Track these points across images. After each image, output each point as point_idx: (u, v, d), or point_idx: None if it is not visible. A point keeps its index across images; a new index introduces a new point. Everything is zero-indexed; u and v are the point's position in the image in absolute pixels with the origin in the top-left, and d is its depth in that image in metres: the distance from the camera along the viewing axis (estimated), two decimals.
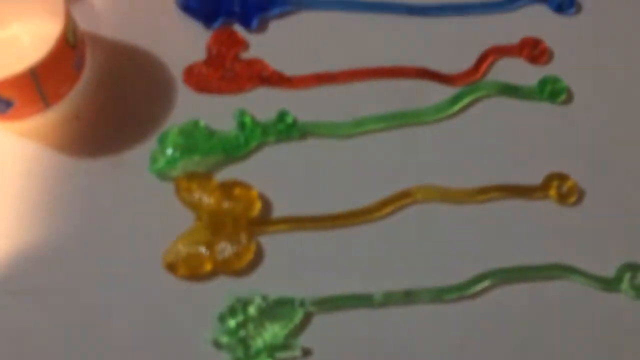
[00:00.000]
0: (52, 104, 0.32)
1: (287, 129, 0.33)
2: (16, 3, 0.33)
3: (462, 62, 0.35)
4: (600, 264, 0.30)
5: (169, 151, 0.31)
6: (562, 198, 0.31)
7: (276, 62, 0.35)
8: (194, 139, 0.32)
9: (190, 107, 0.33)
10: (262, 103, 0.34)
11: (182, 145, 0.32)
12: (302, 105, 0.34)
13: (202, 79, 0.34)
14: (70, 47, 0.31)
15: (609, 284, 0.29)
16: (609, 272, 0.30)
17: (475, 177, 0.32)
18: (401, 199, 0.31)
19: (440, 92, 0.34)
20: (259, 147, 0.33)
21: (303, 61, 0.35)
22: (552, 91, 0.34)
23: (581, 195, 0.32)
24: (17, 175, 0.32)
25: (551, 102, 0.34)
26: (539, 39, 0.36)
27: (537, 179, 0.32)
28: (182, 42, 0.35)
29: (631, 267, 0.30)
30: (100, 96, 0.34)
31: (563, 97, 0.34)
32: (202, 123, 0.33)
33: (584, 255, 0.30)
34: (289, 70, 0.35)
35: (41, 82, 0.31)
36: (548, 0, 0.37)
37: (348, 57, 0.35)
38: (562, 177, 0.32)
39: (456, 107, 0.33)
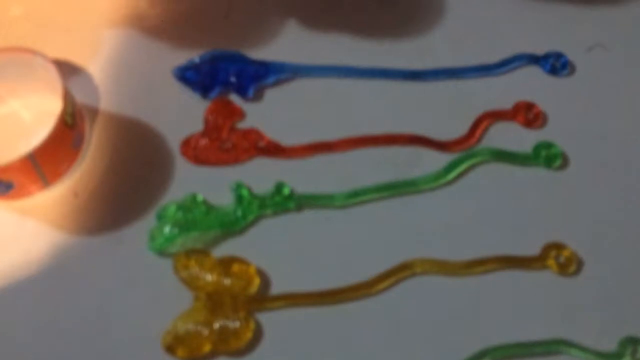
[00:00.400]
0: (51, 183, 0.33)
1: (284, 202, 0.33)
2: (14, 81, 0.34)
3: (456, 127, 0.35)
4: (601, 337, 0.30)
5: (167, 229, 0.32)
6: (561, 268, 0.31)
7: (272, 131, 0.35)
8: (192, 214, 0.32)
9: (188, 180, 0.34)
10: (259, 174, 0.34)
11: (181, 222, 0.32)
12: (299, 175, 0.34)
13: (199, 151, 0.34)
14: (69, 128, 0.32)
15: (611, 359, 0.29)
16: (611, 346, 0.30)
17: (473, 246, 0.32)
18: (400, 272, 0.31)
19: (435, 159, 0.34)
20: (256, 220, 0.33)
21: (299, 128, 0.35)
22: (547, 157, 0.34)
23: (580, 265, 0.32)
24: (15, 253, 0.32)
25: (547, 167, 0.34)
26: (532, 102, 0.36)
27: (535, 247, 0.32)
28: (180, 114, 0.36)
29: (633, 341, 0.29)
30: (98, 171, 0.34)
31: (558, 162, 0.34)
32: (200, 197, 0.33)
33: (584, 328, 0.30)
34: (285, 138, 0.35)
35: (40, 165, 0.31)
36: (541, 62, 0.37)
37: (343, 124, 0.35)
38: (559, 247, 0.31)
39: (452, 175, 0.34)
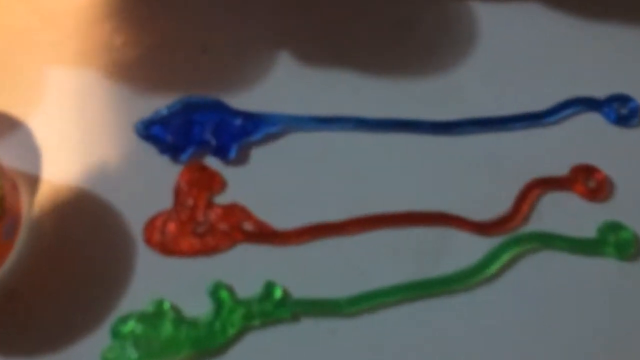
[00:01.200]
0: None
1: (275, 309, 0.25)
2: None
3: (496, 199, 0.27)
4: None
5: (125, 351, 0.24)
6: None
7: (261, 205, 0.28)
8: (157, 331, 0.25)
9: (153, 277, 0.26)
10: (244, 268, 0.26)
11: (142, 341, 0.25)
12: (295, 269, 0.26)
13: (167, 236, 0.27)
14: None
15: None
16: None
17: None
18: None
19: (470, 245, 0.27)
20: (239, 335, 0.26)
21: (295, 202, 0.28)
22: (616, 243, 0.26)
23: None
24: None
25: (617, 257, 0.26)
26: (593, 166, 0.28)
27: None
28: (143, 184, 0.28)
29: None
30: (36, 267, 0.26)
31: (631, 250, 0.26)
32: (166, 305, 0.25)
33: None
34: (277, 216, 0.27)
35: None
36: (603, 108, 0.29)
37: (352, 195, 0.28)
38: None
39: (492, 268, 0.26)
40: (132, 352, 0.24)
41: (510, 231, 0.27)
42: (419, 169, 0.28)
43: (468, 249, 0.27)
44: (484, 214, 0.27)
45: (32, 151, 0.29)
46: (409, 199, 0.28)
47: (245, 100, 0.29)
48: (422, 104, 0.29)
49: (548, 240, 0.26)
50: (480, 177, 0.28)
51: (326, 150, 0.29)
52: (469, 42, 0.31)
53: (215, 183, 0.28)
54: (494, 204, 0.27)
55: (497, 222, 0.27)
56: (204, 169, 0.29)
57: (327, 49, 0.31)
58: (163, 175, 0.28)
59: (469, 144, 0.29)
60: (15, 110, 0.30)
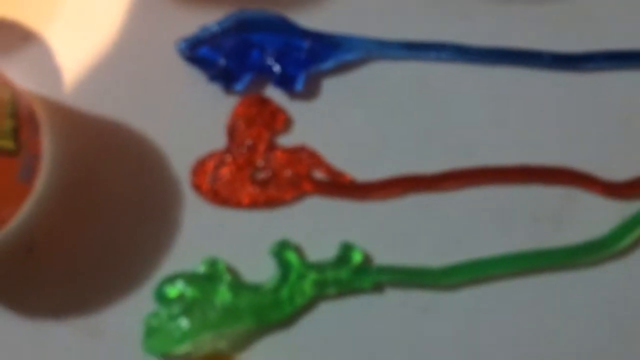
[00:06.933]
0: None
1: (353, 277, 0.24)
2: None
3: (636, 151, 0.26)
4: None
5: (174, 321, 0.23)
6: None
7: (335, 149, 0.26)
8: (212, 296, 0.24)
9: (203, 231, 0.25)
10: (315, 225, 0.25)
11: (194, 307, 0.24)
12: (377, 228, 0.25)
13: (220, 183, 0.26)
14: (10, 156, 0.23)
15: None
16: None
17: None
18: None
19: (599, 210, 0.25)
20: (310, 306, 0.25)
21: (377, 144, 0.26)
22: None
23: None
24: None
25: None
26: None
27: None
28: (189, 118, 0.27)
29: None
30: (61, 215, 0.26)
31: None
32: (221, 266, 0.24)
33: None
34: (354, 162, 0.26)
35: None
36: None
37: (449, 142, 0.26)
38: None
39: (626, 242, 0.25)
40: (182, 321, 0.24)
41: None
42: (536, 113, 0.26)
43: (596, 215, 0.25)
44: (618, 172, 0.26)
45: (52, 72, 0.27)
46: (523, 149, 0.26)
47: (316, 17, 0.27)
48: (543, 29, 0.27)
49: None
50: (614, 125, 0.26)
51: (418, 85, 0.27)
52: None
53: (278, 120, 0.27)
54: (632, 160, 0.26)
55: (634, 183, 0.25)
56: (264, 102, 0.27)
57: None
58: (214, 108, 0.27)
59: (602, 83, 0.27)
60: (30, 20, 0.28)
